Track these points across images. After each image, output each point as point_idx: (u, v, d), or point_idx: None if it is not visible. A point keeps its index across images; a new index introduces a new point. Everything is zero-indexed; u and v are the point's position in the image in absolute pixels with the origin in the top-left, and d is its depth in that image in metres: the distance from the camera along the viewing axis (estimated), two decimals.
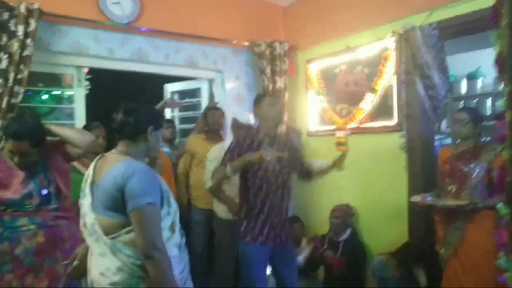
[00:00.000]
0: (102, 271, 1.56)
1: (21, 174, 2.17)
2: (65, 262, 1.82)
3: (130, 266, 1.53)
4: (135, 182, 1.52)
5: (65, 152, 2.28)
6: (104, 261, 1.56)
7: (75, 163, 2.74)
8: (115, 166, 1.58)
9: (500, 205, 0.77)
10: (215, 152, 3.11)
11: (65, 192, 2.26)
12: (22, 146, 2.09)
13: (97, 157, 1.74)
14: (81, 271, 1.72)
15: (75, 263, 1.75)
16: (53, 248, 2.16)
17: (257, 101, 2.60)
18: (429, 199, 2.68)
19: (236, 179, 2.64)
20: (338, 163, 2.60)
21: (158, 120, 1.78)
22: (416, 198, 2.72)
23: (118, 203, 1.54)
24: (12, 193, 2.12)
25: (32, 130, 2.12)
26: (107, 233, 1.57)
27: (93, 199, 1.63)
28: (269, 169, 2.48)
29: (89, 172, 1.70)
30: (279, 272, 2.62)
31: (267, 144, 2.49)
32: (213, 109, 3.59)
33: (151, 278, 1.51)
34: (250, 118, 3.11)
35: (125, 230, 1.56)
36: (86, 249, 1.70)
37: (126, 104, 1.70)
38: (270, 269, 2.74)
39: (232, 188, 2.88)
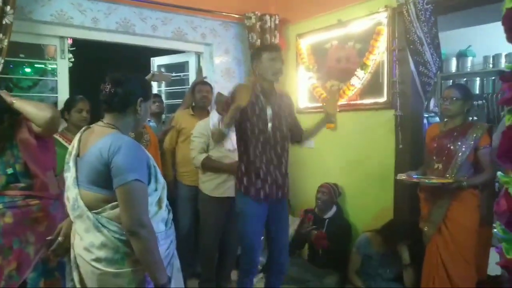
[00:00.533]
0: (86, 247, 1.52)
1: None
2: (49, 238, 1.77)
3: (114, 241, 1.50)
4: (121, 157, 1.47)
5: (31, 129, 2.10)
6: (87, 237, 1.52)
7: (57, 136, 2.67)
8: (101, 139, 1.52)
9: (499, 173, 0.75)
10: (200, 128, 3.06)
11: (33, 169, 2.08)
12: None
13: (82, 129, 1.68)
14: (66, 247, 1.67)
15: (59, 239, 1.69)
16: (23, 230, 2.03)
17: (257, 55, 2.55)
18: (414, 177, 2.69)
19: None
20: (328, 113, 2.57)
21: (148, 90, 1.71)
22: (402, 176, 2.73)
23: (103, 178, 1.50)
24: None
25: None
26: (91, 207, 1.53)
27: (77, 173, 1.58)
28: (267, 124, 2.48)
29: (73, 145, 1.64)
30: (273, 232, 2.64)
31: (263, 100, 2.49)
32: (201, 84, 3.51)
33: (136, 255, 1.49)
34: None
35: (110, 205, 1.52)
36: (70, 224, 1.66)
37: (115, 74, 1.62)
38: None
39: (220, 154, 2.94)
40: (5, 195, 2.01)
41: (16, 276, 2.00)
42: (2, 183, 2.01)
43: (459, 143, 2.59)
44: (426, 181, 2.61)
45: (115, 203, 1.51)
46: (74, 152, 1.62)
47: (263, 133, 2.48)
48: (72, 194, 1.57)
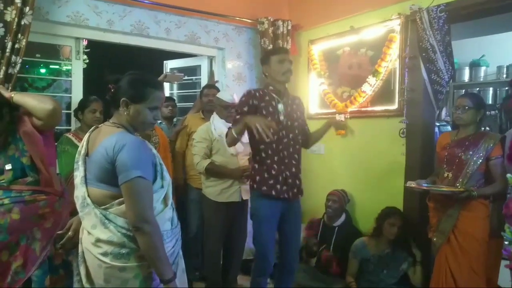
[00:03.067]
0: (93, 241, 1.55)
1: None
2: (59, 232, 1.79)
3: (120, 237, 1.53)
4: (125, 155, 1.50)
5: (33, 123, 2.04)
6: (95, 232, 1.55)
7: (70, 136, 2.71)
8: (107, 138, 1.56)
9: (508, 175, 0.75)
10: (202, 133, 3.05)
11: (38, 163, 2.04)
12: None
13: (91, 129, 1.71)
14: (74, 242, 1.70)
15: (69, 233, 1.74)
16: (30, 226, 2.00)
17: (266, 59, 2.65)
18: (424, 185, 2.67)
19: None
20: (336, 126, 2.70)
21: (140, 92, 1.62)
22: (411, 184, 2.71)
23: (109, 175, 1.53)
24: None
25: None
26: (99, 204, 1.57)
27: (86, 171, 1.62)
28: (280, 123, 2.52)
29: (82, 144, 1.68)
30: (284, 231, 2.66)
31: (276, 100, 2.56)
32: (208, 87, 3.53)
33: (142, 250, 1.51)
34: (234, 98, 3.05)
35: (117, 201, 1.55)
36: (80, 221, 1.68)
37: (115, 75, 1.66)
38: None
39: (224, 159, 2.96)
40: (12, 190, 1.97)
41: (22, 273, 1.98)
42: (9, 178, 1.98)
43: (470, 153, 2.57)
44: (436, 189, 2.59)
45: (122, 199, 1.54)
46: (83, 152, 1.65)
47: (276, 133, 2.49)
48: (80, 192, 1.60)
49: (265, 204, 2.54)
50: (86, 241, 1.59)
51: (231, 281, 3.24)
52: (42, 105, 1.99)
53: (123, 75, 1.65)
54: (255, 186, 2.57)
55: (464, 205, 2.54)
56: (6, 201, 1.94)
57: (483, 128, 3.25)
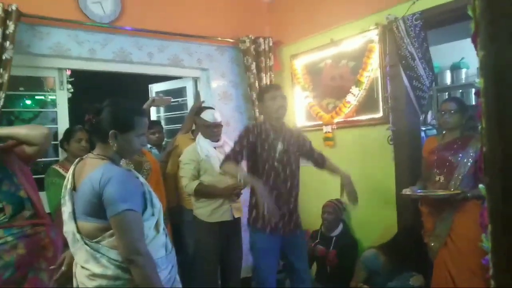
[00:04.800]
0: (87, 276, 1.54)
1: None
2: (52, 267, 1.77)
3: (114, 269, 1.51)
4: (112, 189, 1.49)
5: (22, 154, 2.08)
6: (88, 267, 1.53)
7: (57, 167, 2.69)
8: (92, 172, 1.54)
9: (481, 186, 0.76)
10: (189, 154, 3.04)
11: (32, 195, 2.08)
12: None
13: (75, 162, 1.69)
14: (68, 276, 1.68)
15: (63, 268, 1.72)
16: (36, 258, 2.04)
17: (259, 97, 2.71)
18: (419, 192, 2.69)
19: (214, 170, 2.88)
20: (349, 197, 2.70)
21: (127, 121, 1.61)
22: (406, 191, 2.71)
23: (97, 209, 1.52)
24: None
25: None
26: (90, 237, 1.55)
27: (74, 206, 1.60)
28: (277, 160, 2.55)
29: (68, 178, 1.65)
30: (292, 263, 2.65)
31: (272, 137, 2.59)
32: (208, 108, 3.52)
33: (136, 282, 1.50)
34: (216, 117, 3.06)
35: (108, 233, 1.53)
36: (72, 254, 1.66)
37: (95, 105, 1.61)
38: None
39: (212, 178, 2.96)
40: (13, 227, 1.99)
41: None
42: (10, 213, 1.99)
43: (460, 156, 2.60)
44: (432, 194, 2.60)
45: (113, 231, 1.52)
46: (69, 186, 1.62)
47: (273, 169, 2.54)
48: (70, 228, 1.58)
49: (261, 238, 2.54)
50: (80, 275, 1.57)
51: None
52: (35, 131, 2.03)
53: (102, 105, 1.61)
54: (251, 221, 2.58)
55: (458, 207, 2.55)
56: (9, 238, 1.96)
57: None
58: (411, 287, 2.85)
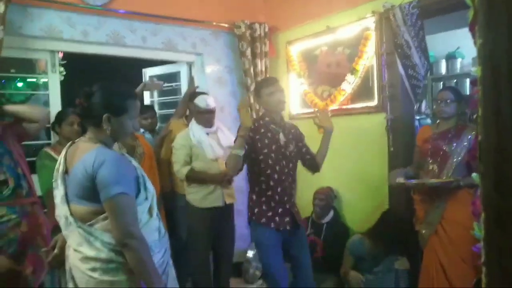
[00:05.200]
0: (81, 259, 1.54)
1: None
2: (44, 249, 1.78)
3: (107, 252, 1.52)
4: (105, 172, 1.48)
5: (21, 132, 2.25)
6: (81, 250, 1.53)
7: (49, 150, 2.67)
8: (85, 155, 1.53)
9: (474, 175, 0.77)
10: (181, 140, 3.04)
11: (28, 175, 2.25)
12: None
13: (67, 145, 1.68)
14: (61, 260, 1.68)
15: (55, 251, 1.71)
16: (35, 236, 2.18)
17: (256, 90, 2.63)
18: (412, 180, 2.70)
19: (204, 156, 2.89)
20: (325, 128, 2.64)
21: (120, 104, 1.61)
22: (400, 180, 2.71)
23: (90, 192, 1.52)
24: None
25: None
26: (84, 220, 1.55)
27: (66, 189, 1.59)
28: (279, 153, 2.50)
29: (60, 161, 1.64)
30: (295, 258, 2.63)
31: (272, 131, 2.52)
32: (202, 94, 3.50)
33: (130, 265, 1.50)
34: (210, 103, 3.04)
35: (102, 216, 1.54)
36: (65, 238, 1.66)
37: (89, 87, 1.60)
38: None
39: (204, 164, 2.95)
40: (16, 205, 2.13)
41: (34, 280, 2.17)
42: (13, 185, 2.12)
43: (454, 145, 2.62)
44: (427, 182, 2.61)
45: (106, 214, 1.52)
46: (61, 169, 1.62)
47: (276, 163, 2.49)
48: (62, 211, 1.58)
49: (266, 232, 2.50)
50: (73, 258, 1.57)
51: (223, 284, 3.24)
52: (37, 110, 2.31)
53: (93, 89, 1.60)
54: (253, 217, 2.53)
55: (450, 196, 2.58)
56: (13, 216, 2.11)
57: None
58: (396, 270, 2.90)
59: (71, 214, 1.56)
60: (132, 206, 1.54)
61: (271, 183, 2.48)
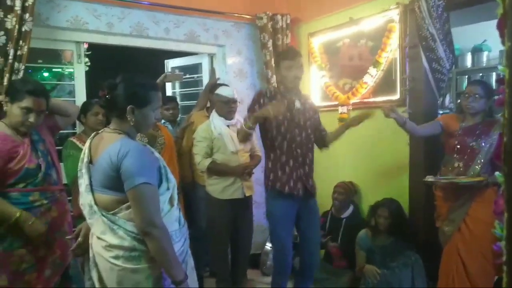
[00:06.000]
0: (104, 246, 1.58)
1: (26, 142, 2.18)
2: (69, 237, 1.84)
3: (130, 241, 1.56)
4: (130, 162, 1.52)
5: (53, 124, 2.40)
6: (105, 238, 1.58)
7: (74, 140, 2.75)
8: (110, 145, 1.57)
9: (497, 173, 0.76)
10: (202, 132, 3.06)
11: (57, 162, 2.36)
12: (41, 104, 2.16)
13: (92, 135, 1.72)
14: (85, 247, 1.73)
15: (79, 239, 1.75)
16: (62, 221, 2.26)
17: (276, 62, 2.75)
18: (441, 178, 2.64)
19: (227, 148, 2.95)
20: (355, 121, 2.67)
21: (144, 96, 1.64)
22: (429, 178, 2.66)
23: (115, 182, 1.56)
24: (26, 162, 2.13)
25: (46, 89, 2.26)
26: (108, 209, 1.59)
27: (91, 178, 1.64)
28: (293, 121, 2.56)
29: (84, 152, 1.69)
30: (303, 231, 2.69)
31: (287, 99, 2.56)
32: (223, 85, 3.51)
33: (152, 254, 1.55)
34: (234, 93, 3.07)
35: (125, 205, 1.57)
36: (88, 225, 1.71)
37: (112, 79, 1.63)
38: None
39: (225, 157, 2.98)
40: (47, 191, 2.20)
41: (61, 263, 2.25)
42: (44, 170, 2.19)
43: (482, 142, 2.55)
44: (457, 181, 2.55)
45: (129, 203, 1.56)
46: (86, 159, 1.66)
47: (289, 131, 2.54)
48: (86, 200, 1.62)
49: (279, 203, 2.57)
50: (96, 246, 1.62)
51: (240, 275, 3.28)
52: (71, 105, 2.61)
53: (116, 81, 1.63)
54: (269, 183, 2.59)
55: (476, 194, 2.53)
56: (44, 201, 2.17)
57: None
58: (412, 266, 2.89)
59: (95, 203, 1.60)
60: (155, 196, 1.57)
61: (285, 149, 2.54)
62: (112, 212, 1.58)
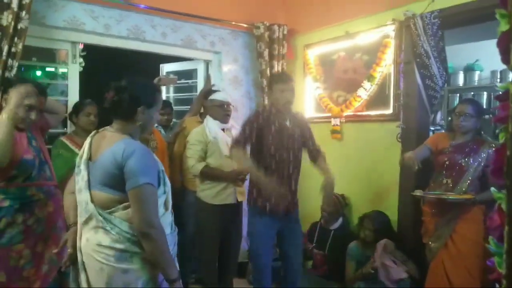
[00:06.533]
0: (95, 245, 1.57)
1: (24, 136, 2.21)
2: (55, 251, 1.81)
3: (123, 241, 1.55)
4: (134, 161, 1.53)
5: (44, 122, 2.40)
6: (96, 237, 1.57)
7: (64, 140, 2.72)
8: (114, 144, 1.58)
9: (492, 189, 0.77)
10: (197, 135, 3.04)
11: (48, 159, 2.37)
12: (42, 102, 2.24)
13: (92, 134, 1.73)
14: (74, 257, 1.68)
15: (69, 250, 1.69)
16: (58, 217, 2.26)
17: (269, 84, 2.77)
18: (430, 193, 2.67)
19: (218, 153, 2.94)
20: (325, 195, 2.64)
21: (152, 97, 1.70)
22: (417, 192, 2.69)
23: (116, 180, 1.56)
24: (24, 153, 2.15)
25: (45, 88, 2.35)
26: (104, 207, 1.58)
27: (89, 175, 1.63)
28: (281, 143, 2.58)
29: (84, 148, 1.69)
30: (284, 250, 2.68)
31: (279, 121, 2.61)
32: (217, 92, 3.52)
33: (148, 254, 1.54)
34: (228, 97, 3.11)
35: (122, 205, 1.57)
36: (74, 234, 1.68)
37: (118, 81, 1.64)
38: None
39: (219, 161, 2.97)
40: (43, 186, 2.22)
41: (56, 260, 2.19)
42: (37, 165, 2.20)
43: (471, 160, 2.58)
44: (445, 197, 2.57)
45: (127, 203, 1.56)
46: (85, 156, 1.66)
47: (277, 151, 2.57)
48: (83, 197, 1.61)
49: (260, 221, 2.58)
50: (86, 248, 1.60)
51: (227, 283, 3.25)
52: (59, 104, 2.62)
53: (122, 83, 1.64)
54: (251, 201, 2.61)
55: (463, 211, 2.56)
56: (41, 195, 2.18)
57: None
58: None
59: (92, 200, 1.59)
60: (155, 197, 1.59)
61: (269, 169, 2.55)
62: (108, 210, 1.57)
